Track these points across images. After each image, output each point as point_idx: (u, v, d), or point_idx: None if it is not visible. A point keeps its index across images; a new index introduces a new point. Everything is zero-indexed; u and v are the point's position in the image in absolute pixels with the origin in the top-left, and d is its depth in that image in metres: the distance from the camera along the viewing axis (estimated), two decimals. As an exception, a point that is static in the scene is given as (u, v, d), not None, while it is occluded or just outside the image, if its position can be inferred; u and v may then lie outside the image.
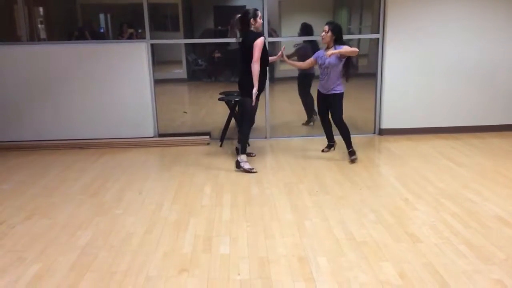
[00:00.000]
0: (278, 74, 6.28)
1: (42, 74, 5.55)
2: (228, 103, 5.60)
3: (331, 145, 5.23)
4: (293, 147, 5.52)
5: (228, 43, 6.54)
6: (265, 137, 5.96)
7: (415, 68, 5.75)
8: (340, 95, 4.75)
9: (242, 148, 4.64)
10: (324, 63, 4.69)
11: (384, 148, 5.41)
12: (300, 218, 3.46)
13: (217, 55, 6.78)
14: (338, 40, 4.64)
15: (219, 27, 6.61)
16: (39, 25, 6.08)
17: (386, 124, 5.91)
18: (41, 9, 6.07)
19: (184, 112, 6.37)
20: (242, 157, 4.61)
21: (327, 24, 4.67)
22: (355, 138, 5.76)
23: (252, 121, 4.79)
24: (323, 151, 5.21)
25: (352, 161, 4.79)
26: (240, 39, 4.57)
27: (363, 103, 6.18)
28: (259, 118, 5.98)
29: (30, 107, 5.62)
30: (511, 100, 5.89)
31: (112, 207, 3.76)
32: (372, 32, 5.85)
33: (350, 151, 4.85)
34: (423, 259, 2.82)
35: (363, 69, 6.42)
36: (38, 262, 2.89)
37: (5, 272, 2.77)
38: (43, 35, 6.05)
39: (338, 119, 4.79)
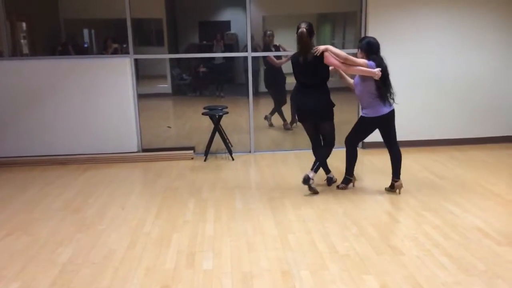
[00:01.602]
0: (262, 88, 6.33)
1: (25, 89, 5.51)
2: (212, 117, 5.61)
3: (349, 179, 4.47)
4: (277, 161, 5.54)
5: (213, 58, 6.60)
6: (250, 151, 5.97)
7: (396, 82, 5.78)
8: (362, 119, 4.27)
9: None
10: (353, 82, 4.27)
11: (367, 161, 5.46)
12: (284, 232, 3.46)
13: (201, 69, 6.82)
14: (370, 56, 4.04)
15: (204, 42, 6.67)
16: (22, 40, 6.05)
17: (369, 137, 5.94)
18: (24, 24, 6.05)
19: (168, 127, 6.37)
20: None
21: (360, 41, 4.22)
22: (338, 152, 5.81)
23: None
24: (338, 187, 4.46)
25: (337, 187, 4.45)
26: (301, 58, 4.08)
27: (346, 117, 6.23)
28: (245, 132, 6.01)
29: (12, 122, 5.56)
30: (492, 113, 6.01)
31: (94, 223, 3.72)
32: (354, 47, 5.93)
33: (346, 177, 4.45)
34: (404, 272, 2.84)
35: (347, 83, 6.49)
36: (17, 280, 2.84)
37: (-17, 291, 2.73)
38: (26, 50, 6.02)
39: (347, 142, 4.37)
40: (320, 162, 4.30)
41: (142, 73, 6.07)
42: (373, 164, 5.31)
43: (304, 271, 2.87)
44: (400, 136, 5.94)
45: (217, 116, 5.59)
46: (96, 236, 3.48)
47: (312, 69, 4.08)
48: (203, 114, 5.67)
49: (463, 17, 5.73)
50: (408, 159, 5.44)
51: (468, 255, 3.03)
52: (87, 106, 5.60)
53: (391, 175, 4.30)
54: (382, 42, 5.66)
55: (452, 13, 5.69)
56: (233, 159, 5.61)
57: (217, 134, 5.63)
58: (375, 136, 5.89)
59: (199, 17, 6.59)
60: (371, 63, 3.98)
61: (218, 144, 5.76)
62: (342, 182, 4.44)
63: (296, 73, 4.24)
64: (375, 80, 4.03)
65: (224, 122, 5.77)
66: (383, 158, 5.49)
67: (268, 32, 6.05)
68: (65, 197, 4.35)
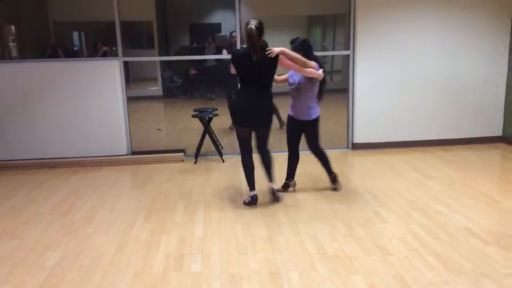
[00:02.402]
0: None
1: (13, 92, 5.47)
2: (202, 119, 5.61)
3: (288, 184, 4.45)
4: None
5: (204, 60, 6.59)
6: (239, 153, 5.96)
7: (386, 83, 5.88)
8: (315, 121, 4.16)
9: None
10: (295, 82, 4.10)
11: (357, 162, 5.48)
12: (273, 234, 3.46)
13: (192, 72, 6.81)
14: (307, 56, 3.95)
15: (195, 44, 6.66)
16: (11, 43, 6.01)
17: (358, 138, 6.00)
18: (12, 27, 6.01)
19: (158, 129, 6.36)
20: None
21: (292, 42, 4.12)
22: (329, 153, 5.83)
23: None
24: (278, 190, 4.31)
25: (335, 189, 4.40)
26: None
27: (336, 118, 6.26)
28: (234, 134, 6.00)
29: (0, 125, 5.51)
30: (480, 114, 6.06)
31: (82, 227, 3.70)
32: (345, 49, 5.97)
33: (332, 177, 4.40)
34: (393, 272, 2.86)
35: (337, 85, 6.53)
36: (5, 284, 2.81)
37: (-31, 296, 2.70)
38: (14, 53, 5.98)
39: (315, 148, 4.27)
40: (272, 167, 4.12)
41: (133, 76, 6.06)
42: (361, 165, 5.33)
43: (292, 272, 2.88)
44: (389, 137, 6.03)
45: (207, 118, 5.59)
46: (84, 239, 3.46)
47: (259, 69, 3.79)
48: (193, 116, 5.67)
49: (452, 18, 5.77)
50: (397, 159, 5.48)
51: (455, 255, 3.05)
52: (76, 109, 5.58)
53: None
54: (371, 43, 5.75)
55: (441, 14, 5.74)
56: (223, 161, 5.60)
57: (207, 136, 5.62)
58: (365, 137, 5.94)
59: (190, 19, 6.58)
60: (317, 64, 3.97)
61: (208, 146, 5.76)
62: (334, 182, 4.43)
63: (241, 71, 3.86)
64: (320, 82, 4.05)
65: (214, 124, 5.77)
66: (372, 159, 5.54)
67: (233, 33, 5.88)
68: (53, 201, 4.32)
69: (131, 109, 5.78)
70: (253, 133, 4.05)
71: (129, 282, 2.81)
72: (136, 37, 6.30)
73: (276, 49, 3.78)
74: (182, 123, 6.61)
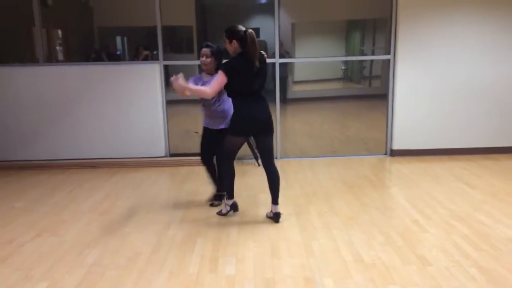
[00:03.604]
0: (290, 94, 6.32)
1: (58, 94, 5.68)
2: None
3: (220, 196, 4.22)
4: (304, 167, 5.50)
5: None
6: (276, 158, 5.96)
7: (427, 89, 5.73)
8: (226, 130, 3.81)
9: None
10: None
11: (395, 169, 5.36)
12: (308, 239, 3.43)
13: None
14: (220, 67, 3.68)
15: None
16: (57, 47, 6.24)
17: (397, 145, 5.87)
18: (59, 32, 6.25)
19: (195, 132, 6.43)
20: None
21: (207, 47, 3.89)
22: (366, 159, 5.74)
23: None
24: (210, 201, 4.25)
25: (212, 204, 4.19)
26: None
27: (375, 124, 6.15)
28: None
29: (45, 126, 5.73)
30: (526, 122, 5.81)
31: (121, 226, 3.78)
32: (385, 54, 5.86)
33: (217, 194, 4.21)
34: (432, 282, 2.76)
35: (375, 90, 6.42)
36: (45, 280, 2.91)
37: (12, 289, 2.80)
38: (60, 57, 6.21)
39: (221, 158, 3.93)
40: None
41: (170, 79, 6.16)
42: (400, 172, 5.21)
43: (327, 279, 2.83)
44: (429, 144, 5.86)
45: (244, 122, 5.60)
46: (122, 238, 3.53)
47: (259, 75, 3.63)
48: (230, 120, 5.69)
49: (495, 23, 5.56)
50: (437, 167, 5.32)
51: (499, 267, 2.92)
52: (118, 111, 5.73)
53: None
54: (412, 48, 5.62)
55: (484, 18, 5.54)
56: (259, 165, 5.61)
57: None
58: (404, 143, 5.80)
59: (229, 24, 6.63)
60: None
61: (244, 150, 5.76)
62: (215, 199, 4.23)
63: (242, 81, 3.56)
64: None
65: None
66: (411, 166, 5.40)
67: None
68: (93, 200, 4.44)
69: (170, 112, 5.89)
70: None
71: (164, 283, 2.85)
72: (176, 42, 6.41)
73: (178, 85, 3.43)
74: (219, 127, 6.65)
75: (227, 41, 3.61)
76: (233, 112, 3.69)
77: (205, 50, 3.88)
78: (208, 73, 3.95)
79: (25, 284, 2.85)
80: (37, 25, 5.65)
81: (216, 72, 3.69)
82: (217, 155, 4.08)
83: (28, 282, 2.88)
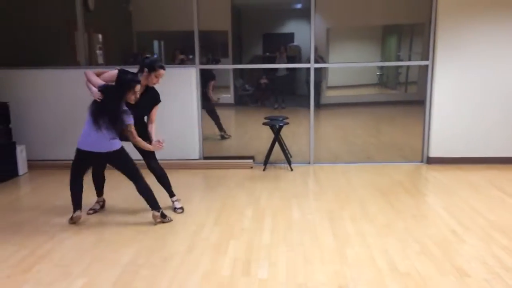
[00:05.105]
0: (324, 100, 6.29)
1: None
2: (272, 127, 5.65)
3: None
4: (337, 173, 5.46)
5: (276, 70, 6.65)
6: (309, 163, 5.94)
7: (466, 96, 5.59)
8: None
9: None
10: None
11: (432, 177, 5.24)
12: (342, 246, 3.39)
13: (263, 81, 6.88)
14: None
15: (267, 54, 6.74)
16: (98, 51, 6.44)
17: (434, 152, 5.74)
18: (100, 36, 6.44)
19: (228, 135, 6.48)
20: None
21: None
22: (401, 166, 5.65)
23: None
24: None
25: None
26: None
27: (410, 131, 6.04)
28: (304, 143, 6.00)
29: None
30: None
31: (155, 226, 3.85)
32: (422, 59, 5.76)
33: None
34: (470, 295, 2.69)
35: (411, 97, 6.31)
36: (83, 277, 2.99)
37: (52, 285, 2.89)
38: (100, 60, 6.40)
39: (140, 177, 3.99)
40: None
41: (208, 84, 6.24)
42: (437, 180, 5.08)
43: None
44: (468, 152, 5.69)
45: (277, 127, 5.62)
46: (156, 239, 3.59)
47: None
48: (264, 124, 5.72)
49: (542, 28, 5.38)
50: (476, 175, 5.17)
51: (542, 282, 2.81)
52: (153, 114, 5.83)
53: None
54: (452, 53, 5.49)
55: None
56: (291, 170, 5.60)
57: (276, 145, 5.65)
58: (441, 151, 5.67)
59: (264, 30, 6.67)
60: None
61: (277, 154, 5.78)
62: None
63: None
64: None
65: (284, 132, 5.79)
66: (448, 174, 5.26)
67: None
68: (129, 201, 4.54)
69: (204, 116, 5.96)
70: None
71: (198, 283, 2.88)
72: (211, 46, 6.49)
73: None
74: (252, 131, 6.70)
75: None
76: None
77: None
78: None
79: (65, 280, 2.94)
80: (80, 29, 5.84)
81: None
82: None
83: (67, 278, 2.97)
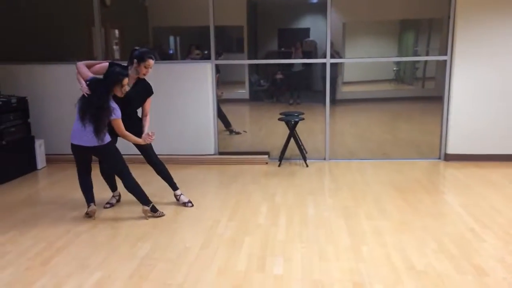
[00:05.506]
0: (339, 96, 6.24)
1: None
2: (288, 123, 5.62)
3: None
4: (353, 169, 5.42)
5: (291, 65, 6.61)
6: (324, 159, 5.90)
7: (485, 92, 5.49)
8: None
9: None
10: None
11: (450, 174, 5.17)
12: (357, 243, 3.37)
13: (279, 76, 6.86)
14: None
15: (282, 49, 6.71)
16: (114, 46, 6.48)
17: (452, 149, 5.66)
18: (116, 31, 6.48)
19: (244, 131, 6.48)
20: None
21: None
22: (418, 163, 5.58)
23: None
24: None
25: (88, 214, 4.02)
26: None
27: (428, 127, 5.96)
28: (319, 139, 5.96)
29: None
30: None
31: (171, 221, 3.87)
32: (439, 54, 5.67)
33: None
34: (489, 294, 2.65)
35: (428, 92, 6.23)
36: (100, 270, 3.02)
37: (69, 278, 2.93)
38: (117, 55, 6.44)
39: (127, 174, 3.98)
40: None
41: (221, 79, 6.24)
42: (455, 178, 5.01)
43: (377, 285, 2.77)
44: (487, 149, 5.59)
45: (293, 122, 5.59)
46: (172, 233, 3.61)
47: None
48: (279, 119, 5.71)
49: None
50: (495, 173, 5.08)
51: None
52: (169, 109, 5.86)
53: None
54: (470, 48, 5.39)
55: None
56: (307, 166, 5.58)
57: (292, 140, 5.63)
58: (459, 148, 5.58)
59: (279, 25, 6.64)
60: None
61: (292, 150, 5.76)
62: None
63: None
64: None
65: (300, 128, 5.76)
66: (467, 171, 5.18)
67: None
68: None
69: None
70: None
71: (213, 278, 2.89)
72: (227, 41, 6.49)
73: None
74: (267, 126, 6.68)
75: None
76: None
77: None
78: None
79: (82, 273, 2.98)
80: (97, 25, 5.88)
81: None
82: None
83: (85, 271, 3.01)
